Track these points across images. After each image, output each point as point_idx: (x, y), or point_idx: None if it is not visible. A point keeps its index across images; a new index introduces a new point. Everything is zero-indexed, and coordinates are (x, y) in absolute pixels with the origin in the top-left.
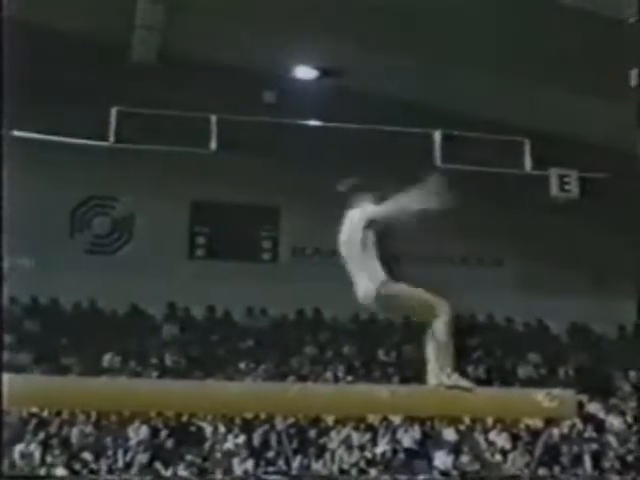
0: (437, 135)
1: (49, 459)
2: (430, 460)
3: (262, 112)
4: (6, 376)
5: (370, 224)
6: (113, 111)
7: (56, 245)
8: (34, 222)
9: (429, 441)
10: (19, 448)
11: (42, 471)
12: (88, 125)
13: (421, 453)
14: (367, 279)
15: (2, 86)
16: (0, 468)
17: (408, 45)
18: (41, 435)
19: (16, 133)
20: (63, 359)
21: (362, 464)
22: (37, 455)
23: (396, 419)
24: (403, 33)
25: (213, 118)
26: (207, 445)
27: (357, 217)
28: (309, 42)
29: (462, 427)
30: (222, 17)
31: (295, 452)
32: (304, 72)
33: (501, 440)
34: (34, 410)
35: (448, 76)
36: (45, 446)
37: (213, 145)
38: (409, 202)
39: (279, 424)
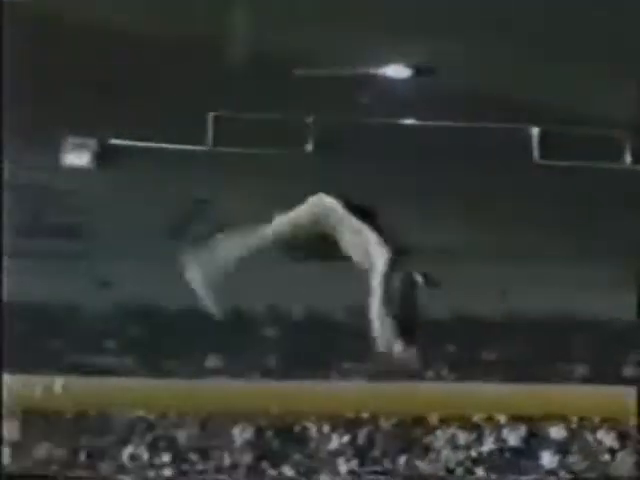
0: (534, 131)
1: (157, 461)
2: (537, 459)
3: (357, 112)
4: (112, 380)
5: None
6: (210, 116)
7: (157, 249)
8: (136, 226)
9: (535, 440)
10: (128, 450)
11: (151, 473)
12: (186, 130)
13: (527, 452)
14: None
15: (2, 86)
16: (0, 468)
17: (503, 41)
18: (149, 437)
19: (114, 141)
20: (167, 362)
21: (468, 463)
22: (145, 457)
23: (502, 418)
24: (498, 29)
25: (309, 119)
26: (312, 445)
27: None
28: (402, 40)
29: (570, 426)
30: (316, 17)
31: (400, 451)
32: (397, 71)
33: (609, 439)
34: (141, 413)
35: (544, 71)
36: (153, 448)
37: (309, 147)
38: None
39: (383, 423)
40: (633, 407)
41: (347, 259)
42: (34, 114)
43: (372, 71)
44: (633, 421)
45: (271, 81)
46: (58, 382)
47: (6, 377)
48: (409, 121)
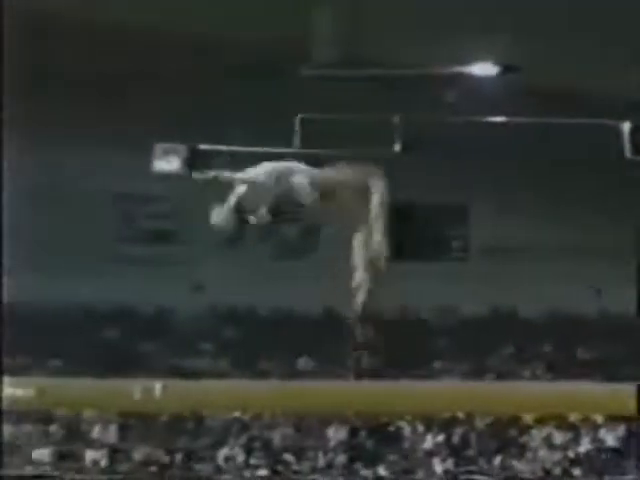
0: (625, 127)
1: (252, 461)
2: (637, 460)
3: (444, 111)
4: (207, 382)
5: None
6: (297, 118)
7: (248, 252)
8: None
9: (635, 440)
10: (223, 452)
11: (247, 473)
12: (274, 134)
13: (626, 452)
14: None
15: (2, 85)
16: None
17: (590, 39)
18: (244, 438)
19: (202, 146)
20: (261, 364)
21: (565, 464)
22: (241, 458)
23: (598, 418)
24: (585, 27)
25: (396, 119)
26: (406, 445)
27: None
28: (489, 38)
29: None
30: (397, 17)
31: (496, 451)
32: (484, 69)
33: None
34: (236, 414)
35: (632, 68)
36: (248, 449)
37: (397, 147)
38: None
39: (478, 423)
40: None
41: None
42: (124, 122)
43: (459, 69)
44: None
45: (357, 81)
46: (158, 385)
47: (104, 381)
48: (497, 119)
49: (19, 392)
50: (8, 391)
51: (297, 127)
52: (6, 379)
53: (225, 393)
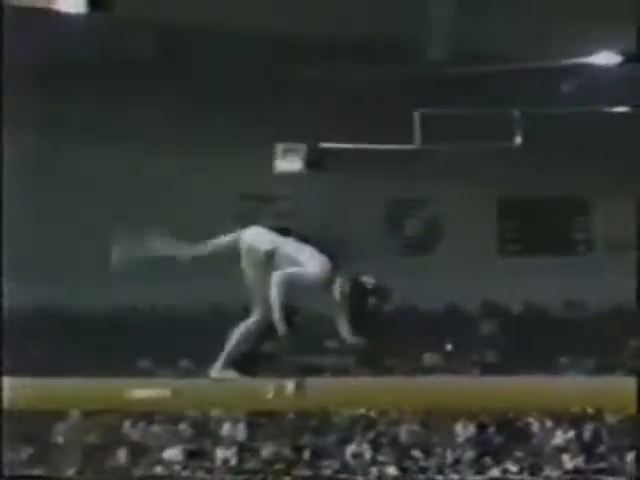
0: None
1: (380, 458)
2: None
3: (563, 102)
4: (334, 380)
5: None
6: (416, 114)
7: (370, 249)
8: (349, 228)
9: None
10: (350, 449)
11: (374, 470)
12: (393, 129)
13: None
14: None
15: (1, 83)
16: (0, 467)
17: None
18: (371, 435)
19: (324, 145)
20: (386, 360)
21: None
22: (368, 455)
23: None
24: None
25: (516, 112)
26: (535, 441)
27: None
28: (610, 27)
29: None
30: (514, 7)
31: (628, 448)
32: (606, 58)
33: None
34: (362, 411)
35: None
36: (375, 445)
37: (518, 140)
38: None
39: (609, 418)
40: None
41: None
42: (246, 123)
43: (580, 60)
44: None
45: (475, 76)
46: (290, 383)
47: (241, 379)
48: (620, 109)
49: (151, 393)
50: (139, 393)
51: (416, 123)
52: (136, 381)
53: (351, 390)
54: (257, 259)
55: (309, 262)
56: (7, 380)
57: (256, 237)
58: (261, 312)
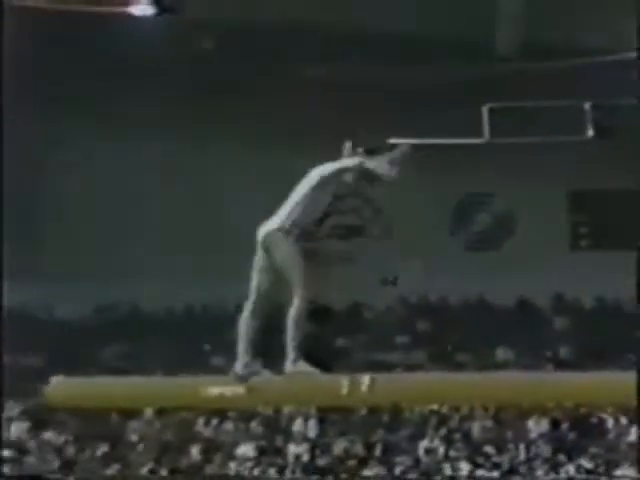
0: None
1: (452, 454)
2: None
3: (634, 93)
4: (403, 375)
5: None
6: (485, 108)
7: (439, 244)
8: (417, 223)
9: None
10: (423, 444)
11: (447, 466)
12: (461, 123)
13: None
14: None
15: (1, 83)
16: (0, 467)
17: None
18: (443, 431)
19: (392, 141)
20: (457, 356)
21: None
22: (441, 450)
23: None
24: None
25: (586, 105)
26: (610, 437)
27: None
28: None
29: None
30: (586, 2)
31: None
32: None
33: None
34: (434, 407)
35: None
36: (448, 441)
37: (589, 132)
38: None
39: None
40: None
41: None
42: (311, 121)
43: None
44: None
45: (544, 69)
46: (365, 379)
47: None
48: None
49: (226, 391)
50: (214, 390)
51: (485, 117)
52: (210, 378)
53: (422, 385)
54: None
55: None
56: (78, 379)
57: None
58: (299, 295)
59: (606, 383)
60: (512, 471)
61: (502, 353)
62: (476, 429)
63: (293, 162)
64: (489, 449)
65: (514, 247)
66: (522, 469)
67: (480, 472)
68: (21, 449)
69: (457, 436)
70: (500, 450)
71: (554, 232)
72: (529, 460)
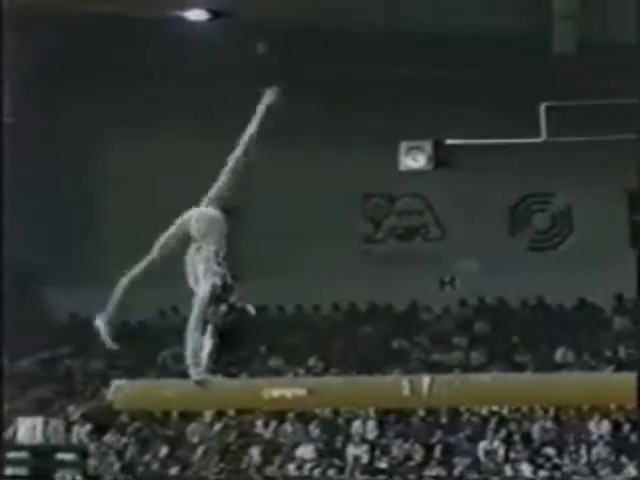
0: None
1: (512, 455)
2: None
3: None
4: (463, 376)
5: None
6: (542, 107)
7: (497, 245)
8: (474, 224)
9: None
10: (482, 446)
11: (507, 468)
12: (517, 123)
13: None
14: None
15: (2, 82)
16: (0, 467)
17: None
18: (503, 432)
19: (449, 141)
20: (516, 356)
21: None
22: (501, 452)
23: None
24: None
25: None
26: None
27: None
28: None
29: None
30: None
31: None
32: None
33: None
34: (494, 408)
35: None
36: (508, 443)
37: None
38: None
39: None
40: None
41: None
42: (370, 122)
43: None
44: None
45: (598, 65)
46: (425, 381)
47: (369, 378)
48: None
49: (287, 393)
50: (276, 392)
51: (542, 116)
52: (271, 380)
53: (481, 386)
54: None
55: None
56: (139, 382)
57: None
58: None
59: None
60: (573, 473)
61: (561, 354)
62: (536, 430)
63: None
64: (549, 450)
65: (573, 247)
66: (583, 471)
67: (542, 473)
68: (83, 452)
69: (517, 437)
70: (561, 451)
71: (613, 231)
72: (590, 462)
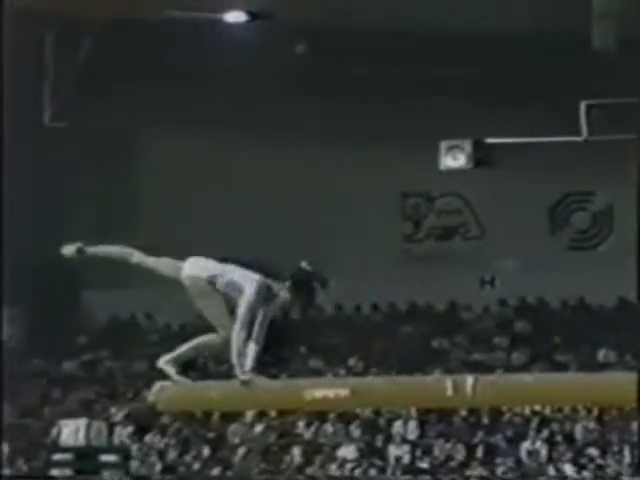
0: None
1: (555, 455)
2: None
3: None
4: (507, 376)
5: None
6: (582, 105)
7: (537, 244)
8: (514, 223)
9: None
10: (525, 446)
11: (550, 468)
12: (557, 121)
13: None
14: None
15: (2, 81)
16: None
17: None
18: (545, 432)
19: (489, 140)
20: (558, 356)
21: None
22: (543, 452)
23: None
24: None
25: None
26: None
27: None
28: None
29: None
30: None
31: None
32: None
33: None
34: (536, 407)
35: None
36: (550, 443)
37: None
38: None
39: None
40: None
41: None
42: (410, 121)
43: None
44: None
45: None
46: (469, 380)
47: (411, 378)
48: None
49: (329, 393)
50: (320, 393)
51: (582, 114)
52: (313, 381)
53: (522, 386)
54: (200, 288)
55: (247, 284)
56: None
57: (195, 267)
58: (224, 333)
59: None
60: (617, 473)
61: (604, 354)
62: (579, 430)
63: (397, 159)
64: (593, 451)
65: (614, 246)
66: (627, 472)
67: (585, 474)
68: (125, 453)
69: (559, 438)
70: (604, 452)
71: None
72: (634, 463)
